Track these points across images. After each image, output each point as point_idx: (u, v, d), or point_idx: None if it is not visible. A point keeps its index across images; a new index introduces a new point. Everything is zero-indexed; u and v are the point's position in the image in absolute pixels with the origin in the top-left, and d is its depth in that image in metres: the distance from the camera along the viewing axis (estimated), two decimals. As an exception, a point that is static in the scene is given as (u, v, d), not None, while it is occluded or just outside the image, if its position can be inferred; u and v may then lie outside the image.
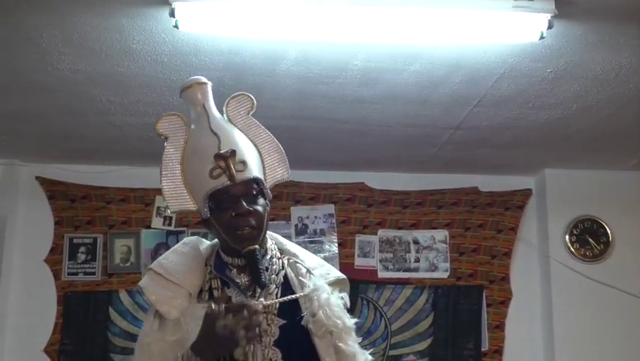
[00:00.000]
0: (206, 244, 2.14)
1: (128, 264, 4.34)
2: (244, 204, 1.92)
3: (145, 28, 2.65)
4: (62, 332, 4.24)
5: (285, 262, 2.07)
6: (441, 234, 4.55)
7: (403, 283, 4.49)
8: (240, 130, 2.05)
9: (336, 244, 4.45)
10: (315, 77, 3.12)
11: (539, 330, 4.53)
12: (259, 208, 1.96)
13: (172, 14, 2.44)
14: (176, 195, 2.01)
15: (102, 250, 4.35)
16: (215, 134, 1.97)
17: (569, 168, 4.49)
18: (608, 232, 4.51)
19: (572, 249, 4.48)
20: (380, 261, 4.50)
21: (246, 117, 2.07)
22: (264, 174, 2.04)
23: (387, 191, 4.57)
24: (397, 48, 2.83)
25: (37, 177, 4.38)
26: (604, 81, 3.13)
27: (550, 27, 2.49)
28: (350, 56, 2.90)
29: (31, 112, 3.50)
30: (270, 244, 2.08)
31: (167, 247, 4.31)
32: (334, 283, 2.07)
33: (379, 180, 4.56)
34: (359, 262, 4.45)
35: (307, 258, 2.11)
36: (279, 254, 2.08)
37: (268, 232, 2.10)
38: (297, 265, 2.06)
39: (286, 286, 2.02)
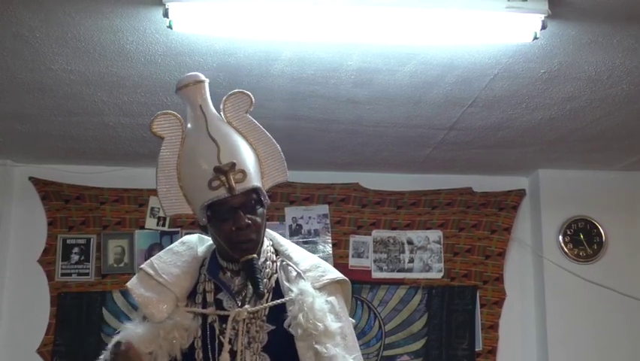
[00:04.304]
0: (206, 244, 2.11)
1: (121, 264, 4.33)
2: (243, 216, 1.91)
3: (139, 29, 2.64)
4: (56, 332, 4.23)
5: (278, 264, 2.04)
6: (435, 234, 4.56)
7: (397, 283, 4.49)
8: (238, 131, 2.01)
9: (331, 245, 4.45)
10: (309, 78, 3.12)
11: (533, 330, 4.54)
12: (258, 219, 1.94)
13: (166, 14, 2.43)
14: (172, 198, 1.99)
15: (96, 250, 4.34)
16: (214, 140, 1.93)
17: (562, 169, 4.51)
18: (602, 232, 4.52)
19: (566, 249, 4.49)
20: (374, 261, 4.50)
21: (244, 116, 2.03)
22: (262, 177, 2.01)
23: (382, 191, 4.57)
24: (391, 49, 2.83)
25: (31, 178, 4.37)
26: (597, 82, 3.14)
27: (543, 28, 2.50)
28: (344, 56, 2.90)
29: (25, 112, 3.49)
30: (266, 245, 2.05)
31: (161, 248, 4.29)
32: (328, 286, 2.03)
33: (373, 181, 4.57)
34: (353, 262, 4.45)
35: (302, 260, 2.07)
36: (274, 257, 2.06)
37: (267, 230, 2.08)
38: (289, 268, 2.03)
39: (277, 291, 2.00)
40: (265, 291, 1.97)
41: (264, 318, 1.96)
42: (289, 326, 1.94)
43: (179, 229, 4.37)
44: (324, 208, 4.51)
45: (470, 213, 4.58)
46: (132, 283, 2.02)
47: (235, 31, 2.62)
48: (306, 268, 2.04)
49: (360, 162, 4.40)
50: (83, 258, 4.33)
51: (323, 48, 2.82)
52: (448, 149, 4.11)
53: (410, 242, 4.55)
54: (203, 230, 2.02)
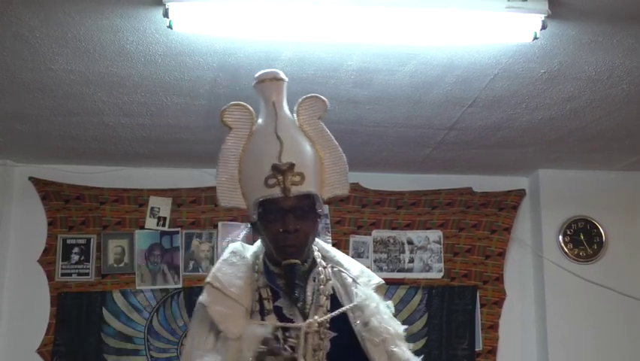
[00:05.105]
0: (250, 250, 2.09)
1: (121, 264, 4.33)
2: (292, 220, 1.90)
3: (139, 29, 2.64)
4: (56, 332, 4.23)
5: (330, 270, 2.05)
6: (435, 234, 4.56)
7: (397, 283, 4.49)
8: (307, 136, 2.00)
9: (331, 245, 4.44)
10: (309, 78, 3.11)
11: (533, 330, 4.54)
12: (307, 225, 1.94)
13: (166, 14, 2.43)
14: (229, 190, 1.98)
15: (96, 250, 4.33)
16: (280, 139, 1.92)
17: (562, 169, 4.51)
18: (602, 232, 4.52)
19: (566, 249, 4.49)
20: (374, 261, 4.50)
21: (316, 122, 2.02)
22: (323, 186, 1.99)
23: (382, 191, 4.57)
24: (391, 49, 2.83)
25: (31, 178, 4.37)
26: (597, 82, 3.14)
27: (543, 28, 2.50)
28: (344, 56, 2.91)
29: (25, 112, 3.49)
30: (315, 251, 2.06)
31: (161, 248, 4.38)
32: (376, 290, 2.08)
33: (373, 181, 4.56)
34: (353, 262, 4.45)
35: (351, 266, 2.10)
36: (323, 263, 2.06)
37: None
38: (342, 274, 2.04)
39: (334, 298, 2.01)
40: (302, 298, 1.95)
41: (327, 325, 1.96)
42: (361, 332, 1.94)
43: (179, 229, 4.37)
44: (324, 208, 4.50)
45: (470, 213, 4.58)
46: (206, 300, 1.97)
47: (235, 31, 2.62)
48: (357, 274, 2.07)
49: (360, 162, 4.39)
50: (82, 258, 4.33)
51: (323, 48, 2.82)
52: (448, 149, 4.11)
53: (410, 242, 4.54)
54: (253, 226, 2.01)
